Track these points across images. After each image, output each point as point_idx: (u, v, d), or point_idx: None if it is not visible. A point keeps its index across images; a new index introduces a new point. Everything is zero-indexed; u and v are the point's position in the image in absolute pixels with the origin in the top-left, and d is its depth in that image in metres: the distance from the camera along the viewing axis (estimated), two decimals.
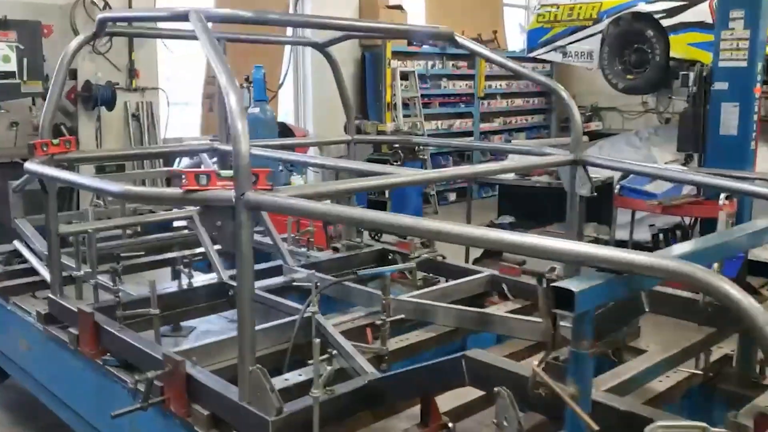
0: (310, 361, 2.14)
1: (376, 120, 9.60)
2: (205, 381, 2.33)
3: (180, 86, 9.12)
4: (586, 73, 12.76)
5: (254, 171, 2.09)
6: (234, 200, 2.06)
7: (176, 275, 3.51)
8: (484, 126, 11.90)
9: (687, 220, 7.05)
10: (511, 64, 3.50)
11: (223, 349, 2.71)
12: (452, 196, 11.26)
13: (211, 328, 3.53)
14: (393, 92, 10.05)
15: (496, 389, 1.74)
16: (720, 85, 6.45)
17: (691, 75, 6.72)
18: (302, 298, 3.63)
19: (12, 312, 3.58)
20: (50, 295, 3.22)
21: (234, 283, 3.44)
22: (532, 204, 7.15)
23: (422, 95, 10.57)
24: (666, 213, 6.33)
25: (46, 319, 3.24)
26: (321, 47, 4.08)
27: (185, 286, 3.36)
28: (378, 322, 2.79)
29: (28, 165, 2.90)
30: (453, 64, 11.31)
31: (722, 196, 6.07)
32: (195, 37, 2.51)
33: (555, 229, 6.74)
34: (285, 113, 9.99)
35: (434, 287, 3.41)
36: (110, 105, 7.39)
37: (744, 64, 6.31)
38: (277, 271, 4.01)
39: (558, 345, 1.79)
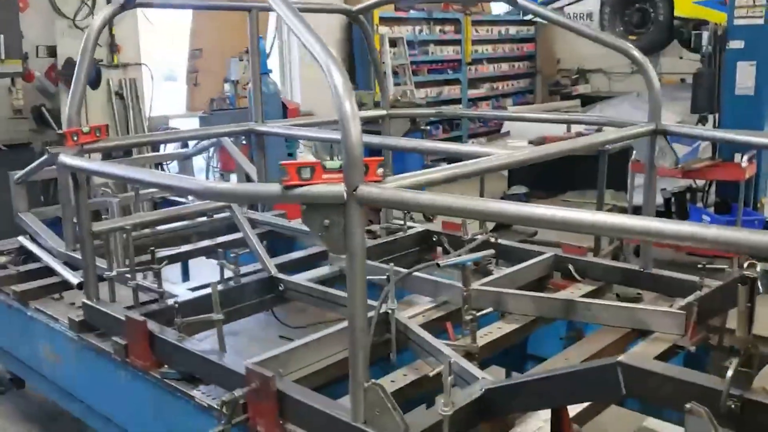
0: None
1: (365, 89, 9.28)
2: (303, 399, 2.06)
3: (163, 61, 8.67)
4: (570, 36, 12.55)
5: (364, 160, 1.80)
6: (345, 196, 1.78)
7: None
8: (472, 92, 11.63)
9: (697, 183, 6.94)
10: (589, 30, 3.22)
11: (305, 355, 2.44)
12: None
13: (256, 327, 3.25)
14: (382, 60, 9.70)
15: (688, 406, 1.50)
16: (736, 44, 6.27)
17: (705, 34, 6.52)
18: None
19: (34, 318, 3.24)
20: (85, 301, 2.89)
21: (283, 277, 3.17)
22: (544, 172, 6.95)
23: (411, 62, 10.24)
24: (687, 177, 6.18)
25: (81, 327, 2.92)
26: (355, 14, 3.75)
27: (233, 283, 3.06)
28: (468, 317, 2.53)
29: (63, 158, 2.56)
30: (440, 29, 10.97)
31: (745, 157, 5.94)
32: (229, 7, 2.18)
33: (571, 197, 6.56)
34: None
35: (503, 272, 3.16)
36: (95, 83, 6.94)
37: (761, 21, 6.13)
38: (313, 258, 3.75)
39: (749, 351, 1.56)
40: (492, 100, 12.12)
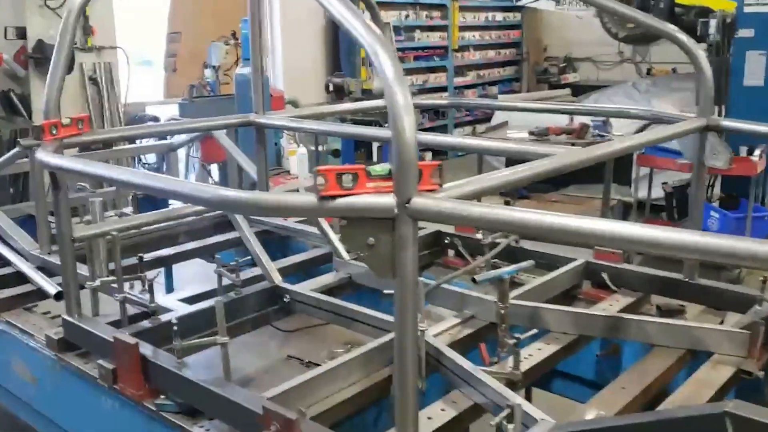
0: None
1: (350, 76, 8.91)
2: None
3: (137, 44, 8.20)
4: (557, 23, 12.31)
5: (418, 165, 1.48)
6: (395, 209, 1.45)
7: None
8: (458, 80, 11.32)
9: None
10: (639, 15, 2.90)
11: (325, 386, 2.11)
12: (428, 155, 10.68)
13: (261, 343, 2.89)
14: None
15: None
16: (745, 32, 6.04)
17: (713, 22, 6.27)
18: (363, 299, 3.06)
19: (6, 333, 2.87)
20: (65, 317, 2.53)
21: (288, 287, 2.84)
22: None
23: (397, 49, 9.88)
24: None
25: (60, 346, 2.56)
26: None
27: (233, 294, 2.71)
28: (511, 341, 2.21)
29: (42, 155, 2.19)
30: (426, 15, 10.62)
31: (758, 151, 5.71)
32: None
33: (573, 191, 6.30)
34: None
35: (533, 283, 2.85)
36: (68, 67, 6.47)
37: None
38: (315, 262, 3.42)
39: None
40: (478, 88, 11.81)
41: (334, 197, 1.47)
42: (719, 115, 6.38)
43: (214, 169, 7.51)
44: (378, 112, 7.51)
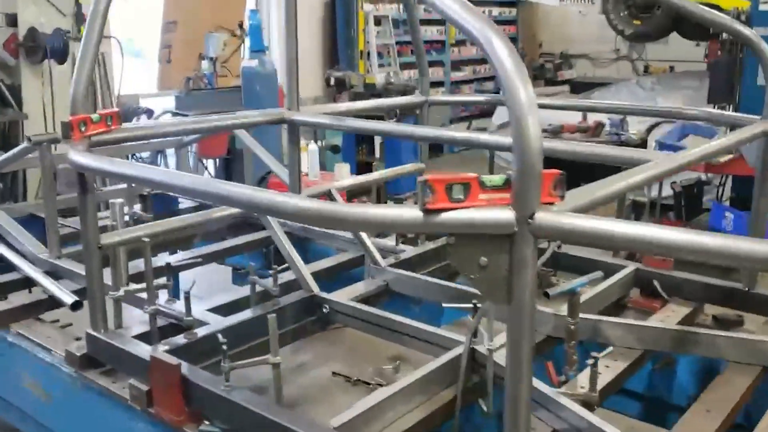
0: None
1: (348, 70, 8.68)
2: None
3: (128, 35, 7.90)
4: (553, 19, 12.18)
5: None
6: (515, 225, 1.26)
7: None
8: (455, 75, 11.15)
9: (708, 176, 6.60)
10: (692, 6, 2.74)
11: (384, 412, 1.92)
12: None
13: (300, 358, 2.69)
14: (366, 39, 9.14)
15: None
16: (760, 31, 5.91)
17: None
18: (399, 307, 2.88)
19: (16, 346, 2.64)
20: (90, 331, 2.31)
21: (326, 296, 2.64)
22: (555, 163, 6.49)
23: (396, 42, 9.69)
24: (710, 171, 5.82)
25: (83, 362, 2.34)
26: None
27: (272, 306, 2.51)
28: (590, 360, 2.03)
29: (74, 155, 1.97)
30: (424, 8, 10.40)
31: None
32: None
33: None
34: None
35: (587, 295, 2.67)
36: (62, 57, 6.21)
37: None
38: (344, 267, 3.23)
39: None
40: (474, 83, 11.65)
41: (442, 211, 1.29)
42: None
43: (210, 165, 7.28)
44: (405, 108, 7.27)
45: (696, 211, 6.80)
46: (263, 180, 4.99)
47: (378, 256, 2.91)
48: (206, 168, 7.10)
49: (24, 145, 2.93)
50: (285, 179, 2.90)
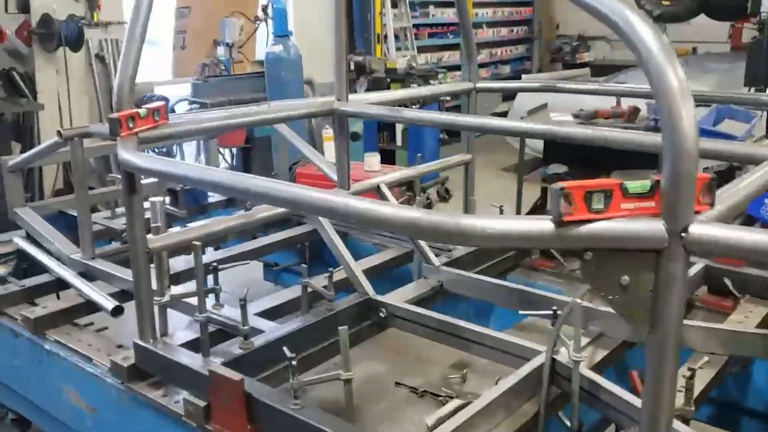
0: None
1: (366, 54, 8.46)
2: None
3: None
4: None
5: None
6: (666, 240, 1.10)
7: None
8: None
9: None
10: None
11: (471, 430, 1.76)
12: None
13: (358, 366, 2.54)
14: (383, 22, 8.91)
15: None
16: None
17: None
18: (449, 307, 2.73)
19: (54, 354, 2.49)
20: (139, 342, 2.15)
21: (382, 299, 2.48)
22: (584, 148, 6.28)
23: (413, 26, 9.47)
24: None
25: (131, 374, 2.19)
26: None
27: (327, 311, 2.36)
28: (688, 377, 1.87)
29: (122, 153, 1.80)
30: None
31: None
32: None
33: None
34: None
35: None
36: (76, 45, 6.03)
37: None
38: (389, 265, 3.08)
39: None
40: (491, 67, 11.42)
41: (580, 223, 1.12)
42: None
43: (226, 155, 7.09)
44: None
45: None
46: (290, 171, 4.83)
47: (432, 255, 2.75)
48: (223, 157, 6.91)
49: (54, 139, 2.76)
50: (329, 173, 2.73)
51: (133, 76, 1.96)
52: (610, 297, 1.15)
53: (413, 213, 1.23)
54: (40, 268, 3.02)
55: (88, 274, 2.87)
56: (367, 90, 7.64)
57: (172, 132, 2.05)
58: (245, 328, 2.11)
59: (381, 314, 2.45)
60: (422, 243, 2.76)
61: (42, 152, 2.93)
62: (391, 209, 1.27)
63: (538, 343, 2.14)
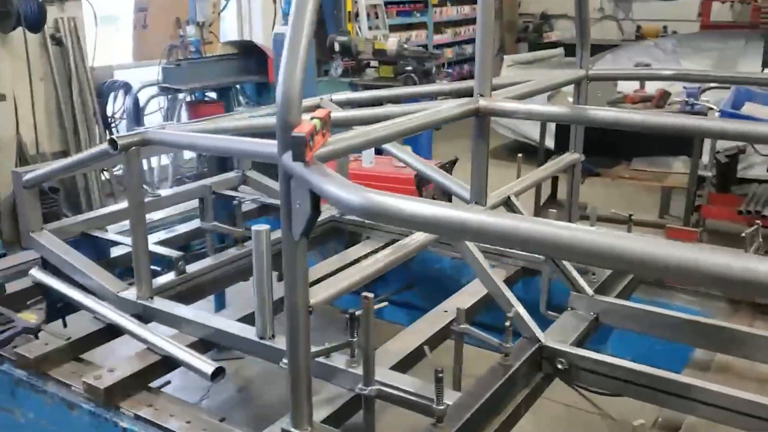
0: None
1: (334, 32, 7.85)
2: None
3: None
4: None
5: None
6: None
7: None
8: (437, 38, 10.45)
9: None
10: None
11: None
12: None
13: None
14: (355, 0, 8.29)
15: None
16: None
17: None
18: (609, 347, 2.29)
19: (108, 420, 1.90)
20: (293, 430, 1.60)
21: (557, 346, 2.00)
22: (603, 135, 5.93)
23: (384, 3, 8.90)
24: None
25: None
26: None
27: (504, 371, 1.86)
28: None
29: (316, 180, 1.25)
30: None
31: None
32: None
33: (642, 165, 5.65)
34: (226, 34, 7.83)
35: None
36: (37, 25, 5.22)
37: None
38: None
39: None
40: (455, 46, 10.98)
41: None
42: None
43: None
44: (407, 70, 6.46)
45: (732, 181, 6.46)
46: None
47: (583, 282, 2.29)
48: None
49: (103, 147, 2.14)
50: (460, 192, 2.23)
51: (304, 77, 1.40)
52: None
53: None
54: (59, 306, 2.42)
55: (147, 319, 2.28)
56: (343, 74, 7.06)
57: (344, 147, 1.50)
58: (440, 408, 1.59)
59: (559, 366, 1.97)
60: (570, 267, 2.29)
61: (84, 161, 2.30)
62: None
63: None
